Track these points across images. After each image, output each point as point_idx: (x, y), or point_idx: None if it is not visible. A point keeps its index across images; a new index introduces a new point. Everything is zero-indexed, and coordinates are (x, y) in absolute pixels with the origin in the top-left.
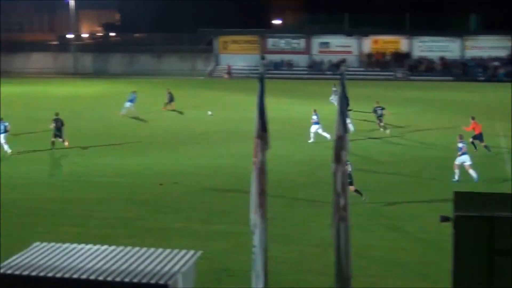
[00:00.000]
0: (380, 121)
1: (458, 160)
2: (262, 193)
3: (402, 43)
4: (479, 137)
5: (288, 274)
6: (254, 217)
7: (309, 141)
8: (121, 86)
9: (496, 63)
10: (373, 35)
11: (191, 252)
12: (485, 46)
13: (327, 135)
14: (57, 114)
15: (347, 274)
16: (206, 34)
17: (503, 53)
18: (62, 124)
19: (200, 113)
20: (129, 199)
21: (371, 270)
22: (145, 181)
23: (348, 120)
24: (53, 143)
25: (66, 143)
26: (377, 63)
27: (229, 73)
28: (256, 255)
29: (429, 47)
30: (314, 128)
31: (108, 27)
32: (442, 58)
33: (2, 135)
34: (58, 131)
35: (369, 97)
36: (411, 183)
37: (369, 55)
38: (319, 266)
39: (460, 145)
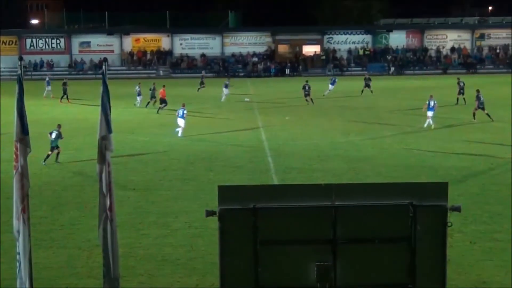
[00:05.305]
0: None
1: (179, 122)
2: (24, 198)
3: (163, 41)
4: (163, 100)
5: (55, 279)
6: (16, 223)
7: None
8: None
9: (255, 59)
10: (134, 34)
11: None
12: (244, 43)
13: None
14: None
15: (115, 275)
16: None
17: (261, 49)
18: None
19: None
20: None
21: (140, 269)
22: None
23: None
24: None
25: None
26: (139, 62)
27: None
28: (20, 262)
29: (190, 44)
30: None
31: None
32: (203, 55)
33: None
34: None
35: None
36: (178, 179)
37: (131, 54)
38: (87, 269)
39: (180, 111)
